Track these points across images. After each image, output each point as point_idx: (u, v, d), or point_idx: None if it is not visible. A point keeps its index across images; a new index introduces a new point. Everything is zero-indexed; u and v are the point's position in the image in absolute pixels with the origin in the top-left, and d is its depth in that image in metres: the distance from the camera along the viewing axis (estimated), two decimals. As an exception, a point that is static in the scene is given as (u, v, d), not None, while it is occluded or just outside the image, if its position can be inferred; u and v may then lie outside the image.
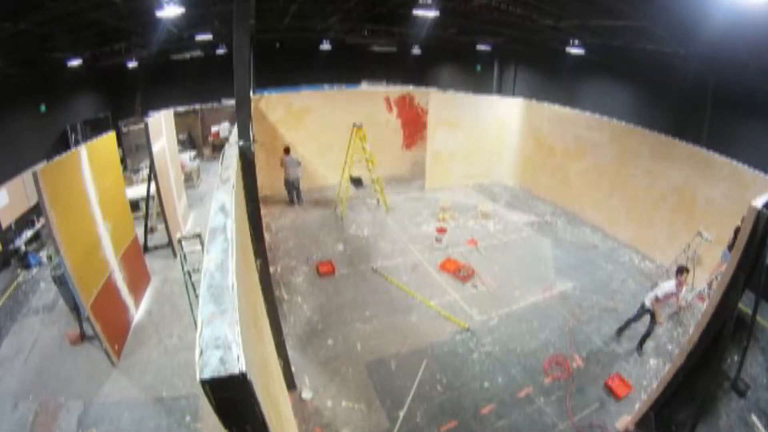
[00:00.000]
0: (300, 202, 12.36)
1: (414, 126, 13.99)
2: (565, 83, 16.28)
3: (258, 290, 4.43)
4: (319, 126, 12.92)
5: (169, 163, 10.00)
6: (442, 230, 10.10)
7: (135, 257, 8.16)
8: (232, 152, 4.31)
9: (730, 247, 6.99)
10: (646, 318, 6.61)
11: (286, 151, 11.72)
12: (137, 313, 7.54)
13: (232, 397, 1.54)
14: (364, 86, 20.22)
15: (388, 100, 13.57)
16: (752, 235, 3.76)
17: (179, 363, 6.36)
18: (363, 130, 11.07)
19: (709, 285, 7.14)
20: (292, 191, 12.24)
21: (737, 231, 6.76)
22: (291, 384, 5.78)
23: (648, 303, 6.44)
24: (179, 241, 6.41)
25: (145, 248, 9.50)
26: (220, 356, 1.53)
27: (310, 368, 6.27)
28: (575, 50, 13.08)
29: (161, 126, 9.68)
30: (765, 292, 4.07)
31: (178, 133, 13.00)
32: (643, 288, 8.43)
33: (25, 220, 10.57)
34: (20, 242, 9.78)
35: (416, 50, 23.15)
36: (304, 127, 12.74)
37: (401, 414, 5.51)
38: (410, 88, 15.30)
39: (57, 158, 5.94)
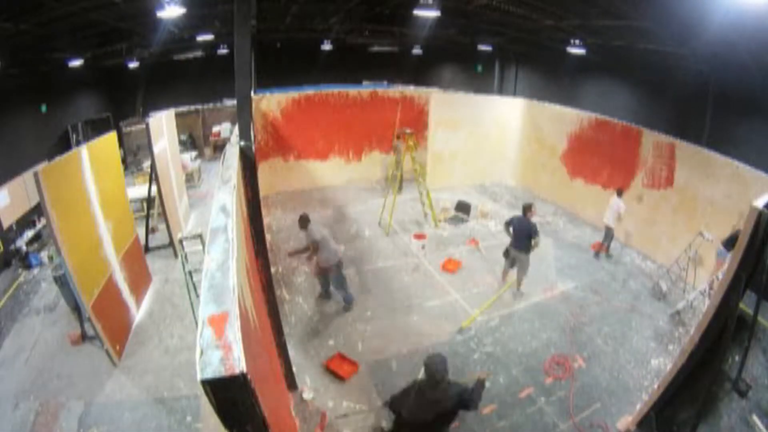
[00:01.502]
0: (349, 306, 7.51)
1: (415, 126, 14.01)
2: (566, 83, 16.27)
3: (259, 290, 4.44)
4: (321, 127, 12.96)
5: (170, 163, 10.02)
6: (420, 236, 9.86)
7: (136, 257, 8.17)
8: (233, 152, 4.32)
9: (725, 243, 7.00)
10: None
11: (304, 222, 7.01)
12: (138, 314, 7.55)
13: (232, 397, 1.55)
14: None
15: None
16: (753, 235, 3.75)
17: (180, 363, 6.36)
18: (413, 137, 10.34)
19: (710, 285, 7.13)
20: (331, 279, 7.41)
21: (738, 232, 6.79)
22: (292, 384, 5.78)
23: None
24: (180, 242, 6.42)
25: (147, 248, 9.51)
26: (221, 356, 1.53)
27: (311, 368, 6.27)
28: (576, 50, 13.06)
29: (162, 126, 9.70)
30: (766, 292, 4.06)
31: (179, 134, 13.04)
32: (644, 288, 8.44)
33: (26, 221, 10.59)
34: (21, 242, 9.80)
35: (417, 50, 23.15)
36: (305, 128, 12.76)
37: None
38: (411, 88, 15.32)
39: (58, 158, 5.95)
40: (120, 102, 18.03)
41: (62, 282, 6.69)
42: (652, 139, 9.43)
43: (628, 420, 5.31)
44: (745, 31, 7.24)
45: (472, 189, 13.63)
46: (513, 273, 8.07)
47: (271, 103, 12.21)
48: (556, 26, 11.38)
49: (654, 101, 13.09)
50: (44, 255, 9.64)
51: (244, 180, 4.41)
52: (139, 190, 11.42)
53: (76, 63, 11.93)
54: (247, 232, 4.07)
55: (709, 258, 8.06)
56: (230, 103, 17.97)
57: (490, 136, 13.45)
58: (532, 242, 7.45)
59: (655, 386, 5.12)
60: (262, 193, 5.43)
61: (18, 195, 10.44)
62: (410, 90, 14.68)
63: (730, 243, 6.82)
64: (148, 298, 8.04)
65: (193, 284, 6.22)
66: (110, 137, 7.70)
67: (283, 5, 12.30)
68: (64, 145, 13.55)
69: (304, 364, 6.32)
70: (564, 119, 12.03)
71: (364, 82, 20.48)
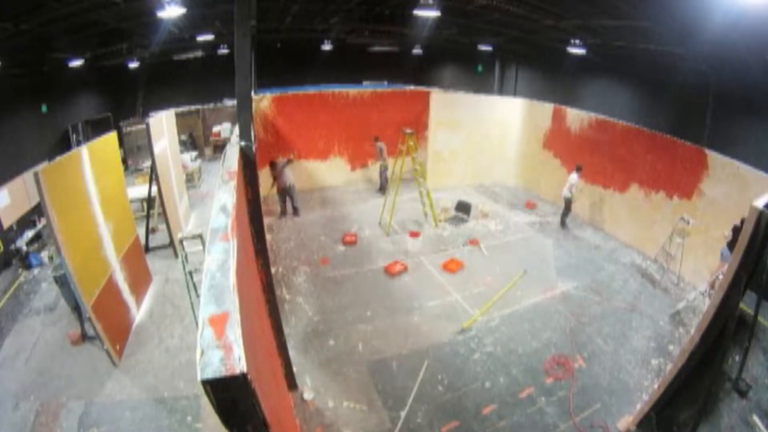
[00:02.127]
0: (297, 213, 11.57)
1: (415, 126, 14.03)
2: (566, 83, 16.27)
3: (259, 290, 4.44)
4: (323, 127, 12.96)
5: (170, 163, 10.02)
6: (415, 234, 9.90)
7: (136, 257, 8.17)
8: (233, 152, 4.32)
9: (729, 245, 7.00)
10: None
11: (274, 164, 11.04)
12: (138, 314, 7.55)
13: (233, 397, 1.55)
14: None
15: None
16: (754, 235, 3.75)
17: (180, 363, 6.37)
18: (413, 137, 10.38)
19: (711, 285, 7.13)
20: (287, 199, 11.44)
21: (736, 230, 6.82)
22: (292, 384, 5.78)
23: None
24: (180, 242, 6.42)
25: (147, 248, 9.51)
26: (221, 356, 1.53)
27: (312, 368, 6.27)
28: (576, 50, 13.06)
29: (162, 126, 9.70)
30: (766, 292, 4.06)
31: (179, 134, 13.04)
32: (644, 288, 8.44)
33: (26, 221, 10.59)
34: (22, 242, 9.80)
35: (417, 50, 23.14)
36: (305, 128, 12.76)
37: (403, 414, 5.50)
38: (411, 88, 15.32)
39: (58, 158, 5.95)
40: (120, 102, 18.04)
41: (62, 282, 6.69)
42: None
43: (628, 420, 5.31)
44: (745, 31, 7.23)
45: (473, 189, 13.64)
46: (512, 274, 8.06)
47: (271, 103, 12.21)
48: (556, 26, 11.38)
49: (654, 101, 13.09)
50: (44, 255, 9.64)
51: (244, 180, 4.41)
52: (139, 190, 11.42)
53: (77, 63, 11.93)
54: (247, 232, 4.07)
55: (695, 241, 8.30)
56: (230, 103, 17.99)
57: (491, 136, 13.45)
58: None
59: (656, 386, 5.12)
60: (262, 193, 5.43)
61: (18, 195, 10.44)
62: (410, 89, 14.69)
63: (733, 244, 6.82)
64: (149, 298, 8.04)
65: (194, 284, 6.22)
66: (110, 137, 7.70)
67: (283, 5, 12.29)
68: (64, 145, 13.55)
69: (304, 364, 6.33)
70: (564, 119, 12.04)
71: (365, 82, 20.50)
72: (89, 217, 6.46)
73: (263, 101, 12.09)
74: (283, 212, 11.52)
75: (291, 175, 11.20)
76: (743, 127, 10.40)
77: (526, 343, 6.84)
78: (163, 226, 9.84)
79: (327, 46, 19.90)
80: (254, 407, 1.63)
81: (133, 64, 15.91)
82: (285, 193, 11.29)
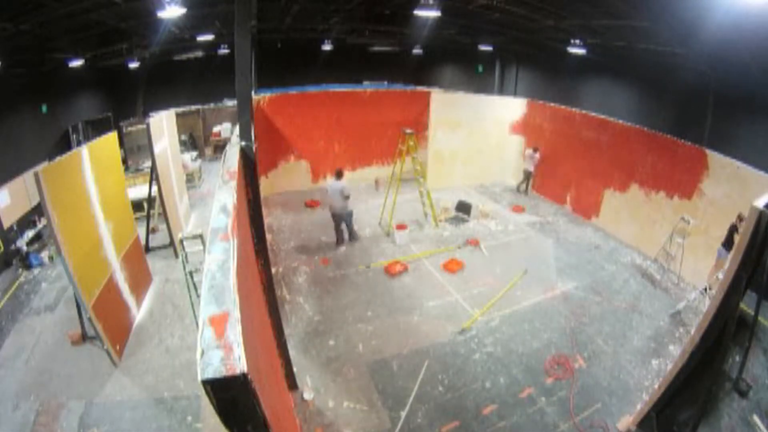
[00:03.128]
0: (354, 239, 10.03)
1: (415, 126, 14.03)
2: (566, 83, 16.26)
3: (259, 290, 4.44)
4: (321, 127, 12.96)
5: (170, 163, 10.02)
6: (402, 227, 10.00)
7: (136, 257, 8.17)
8: (233, 152, 4.32)
9: (725, 243, 7.02)
10: None
11: (339, 174, 9.40)
12: (139, 313, 7.55)
13: (233, 397, 1.55)
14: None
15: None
16: (754, 235, 3.76)
17: (181, 363, 6.37)
18: (413, 138, 10.32)
19: (710, 285, 7.13)
20: (341, 226, 9.81)
21: (732, 228, 6.84)
22: (293, 384, 5.78)
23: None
24: (181, 242, 6.42)
25: (147, 248, 9.52)
26: (222, 356, 1.53)
27: (312, 368, 6.27)
28: (576, 50, 13.05)
29: (163, 126, 9.70)
30: (766, 292, 4.06)
31: (179, 134, 13.04)
32: (644, 288, 8.44)
33: (26, 221, 10.58)
34: (22, 242, 9.79)
35: (418, 50, 23.13)
36: (305, 128, 12.76)
37: (403, 414, 5.51)
38: (411, 88, 15.31)
39: (58, 158, 5.96)
40: (120, 102, 18.03)
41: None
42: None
43: (628, 420, 5.31)
44: (745, 31, 7.23)
45: (473, 189, 13.64)
46: (513, 274, 8.06)
47: (271, 103, 12.21)
48: (556, 26, 11.37)
49: (654, 101, 13.07)
50: (44, 255, 9.64)
51: (244, 180, 4.41)
52: (139, 190, 11.42)
53: (77, 63, 11.91)
54: (247, 232, 4.07)
55: (696, 241, 8.30)
56: (231, 103, 17.98)
57: (491, 135, 13.46)
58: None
59: (656, 386, 5.12)
60: (262, 194, 5.43)
61: (18, 195, 10.43)
62: (410, 89, 14.69)
63: (729, 242, 6.86)
64: (149, 298, 8.04)
65: (194, 284, 6.22)
66: (111, 137, 7.71)
67: (283, 5, 12.28)
68: (64, 145, 13.54)
69: (304, 364, 6.33)
70: (564, 119, 12.04)
71: (365, 82, 20.48)
72: (89, 217, 6.46)
73: (263, 101, 12.10)
74: (339, 240, 9.88)
75: (340, 198, 9.25)
76: (743, 127, 10.39)
77: (526, 343, 6.84)
78: (163, 226, 9.84)
79: (327, 46, 19.87)
80: (254, 407, 1.63)
81: (134, 64, 15.88)
82: (334, 218, 9.68)
